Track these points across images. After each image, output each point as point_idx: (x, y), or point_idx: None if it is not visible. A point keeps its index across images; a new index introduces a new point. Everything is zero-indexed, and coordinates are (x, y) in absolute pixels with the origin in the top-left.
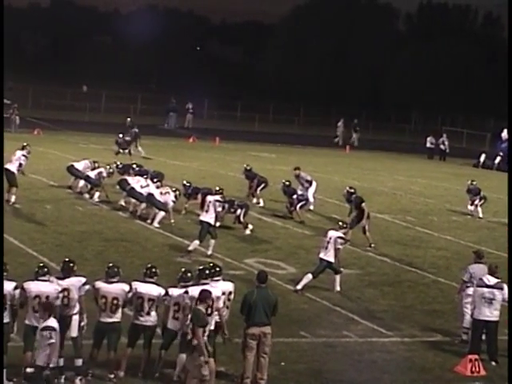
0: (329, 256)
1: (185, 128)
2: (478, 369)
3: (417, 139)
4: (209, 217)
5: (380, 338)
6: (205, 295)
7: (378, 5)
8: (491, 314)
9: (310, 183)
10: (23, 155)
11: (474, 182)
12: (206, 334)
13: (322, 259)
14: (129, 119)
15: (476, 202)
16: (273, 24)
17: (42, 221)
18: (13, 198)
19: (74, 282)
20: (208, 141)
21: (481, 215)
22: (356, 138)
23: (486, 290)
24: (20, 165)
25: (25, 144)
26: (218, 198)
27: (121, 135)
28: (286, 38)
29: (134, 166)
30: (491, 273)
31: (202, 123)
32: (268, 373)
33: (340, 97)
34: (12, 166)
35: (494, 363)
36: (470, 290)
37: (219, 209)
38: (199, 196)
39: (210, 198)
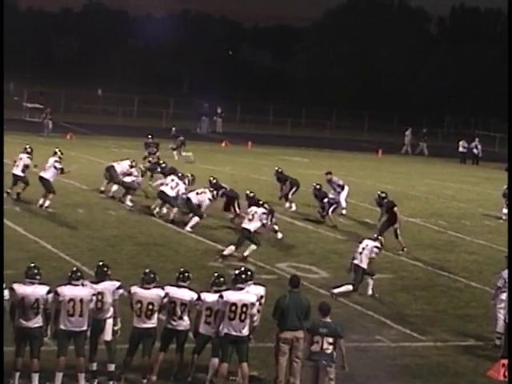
0: (363, 263)
1: (216, 132)
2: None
3: (449, 143)
4: (252, 225)
5: (413, 343)
6: (328, 307)
7: (411, 8)
8: None
9: (342, 188)
10: (55, 161)
11: None
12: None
13: (357, 266)
14: (173, 128)
15: None
16: (304, 28)
17: (75, 225)
18: (46, 203)
19: (108, 286)
20: (240, 145)
21: None
22: (424, 147)
23: None
24: (57, 171)
25: (56, 150)
26: (263, 210)
27: (150, 136)
28: (317, 41)
29: (162, 163)
30: None
31: (235, 127)
32: (301, 377)
33: (371, 101)
34: (46, 174)
35: None
36: (504, 295)
37: (265, 221)
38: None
39: (256, 209)
